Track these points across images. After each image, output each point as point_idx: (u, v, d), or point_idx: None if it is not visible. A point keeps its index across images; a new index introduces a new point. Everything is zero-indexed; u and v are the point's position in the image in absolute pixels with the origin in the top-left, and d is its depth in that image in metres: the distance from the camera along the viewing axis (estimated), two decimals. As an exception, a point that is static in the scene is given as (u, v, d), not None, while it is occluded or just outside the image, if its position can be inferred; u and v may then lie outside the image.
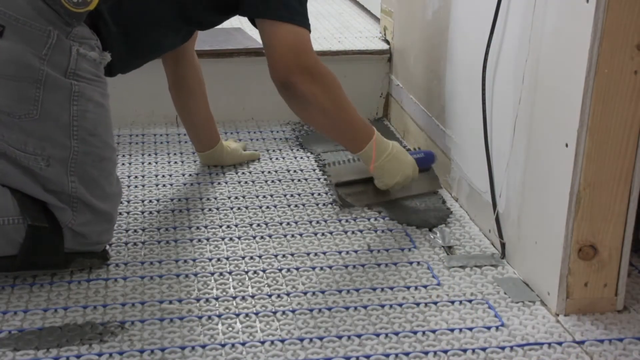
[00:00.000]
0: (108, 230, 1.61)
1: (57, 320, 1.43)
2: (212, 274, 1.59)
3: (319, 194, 1.98)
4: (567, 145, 1.38)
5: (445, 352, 1.35)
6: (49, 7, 1.48)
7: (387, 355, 1.34)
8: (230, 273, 1.59)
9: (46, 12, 1.48)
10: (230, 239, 1.74)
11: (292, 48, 1.70)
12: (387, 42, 2.55)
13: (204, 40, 2.48)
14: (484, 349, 1.36)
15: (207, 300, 1.50)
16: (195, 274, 1.59)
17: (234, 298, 1.50)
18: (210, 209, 1.88)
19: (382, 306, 1.48)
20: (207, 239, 1.73)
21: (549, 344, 1.37)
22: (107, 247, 1.65)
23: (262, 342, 1.37)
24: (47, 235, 1.52)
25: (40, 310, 1.45)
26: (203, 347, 1.35)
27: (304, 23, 1.72)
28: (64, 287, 1.53)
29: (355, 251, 1.69)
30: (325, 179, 2.06)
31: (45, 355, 1.33)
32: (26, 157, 1.50)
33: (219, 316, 1.44)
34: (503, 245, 1.65)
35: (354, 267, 1.63)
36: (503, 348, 1.36)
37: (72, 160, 1.53)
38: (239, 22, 2.83)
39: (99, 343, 1.36)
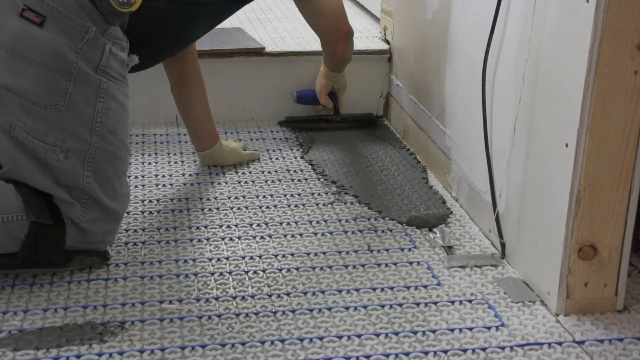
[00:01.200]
0: (113, 230, 1.62)
1: (57, 320, 1.43)
2: (212, 274, 1.59)
3: (319, 194, 1.98)
4: (567, 145, 1.38)
5: (445, 352, 1.35)
6: (92, 4, 1.53)
7: (387, 355, 1.34)
8: (230, 273, 1.59)
9: (88, 8, 1.52)
10: (230, 239, 1.74)
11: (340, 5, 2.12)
12: (387, 42, 2.55)
13: (204, 40, 2.48)
14: (484, 349, 1.36)
15: (207, 300, 1.50)
16: (195, 274, 1.59)
17: (234, 298, 1.50)
18: (210, 209, 1.88)
19: (382, 306, 1.48)
20: (207, 239, 1.74)
21: (549, 344, 1.37)
22: (108, 247, 1.65)
23: (262, 342, 1.37)
24: (49, 233, 1.52)
25: (40, 310, 1.46)
26: (203, 347, 1.36)
27: None
28: (64, 287, 1.53)
29: (355, 251, 1.69)
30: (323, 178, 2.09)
31: (45, 355, 1.33)
32: (45, 147, 1.51)
33: (219, 316, 1.45)
34: (503, 245, 1.65)
35: (354, 267, 1.63)
36: (503, 348, 1.36)
37: (90, 156, 1.55)
38: (238, 22, 2.84)
39: (99, 343, 1.36)
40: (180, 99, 2.09)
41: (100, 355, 1.33)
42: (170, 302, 1.49)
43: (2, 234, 1.49)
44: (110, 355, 1.33)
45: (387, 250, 1.70)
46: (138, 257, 1.66)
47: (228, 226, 1.80)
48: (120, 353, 1.34)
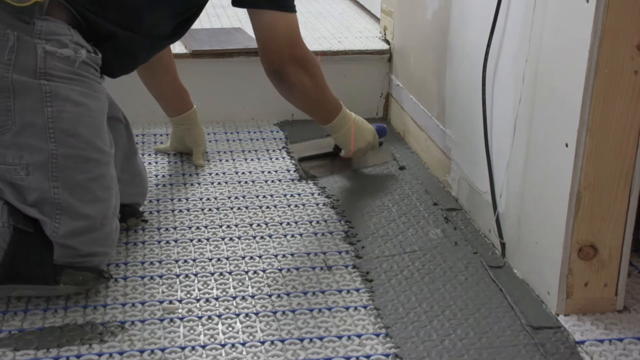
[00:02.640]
0: (99, 239, 1.51)
1: (57, 320, 1.43)
2: (212, 274, 1.59)
3: (319, 194, 1.98)
4: (567, 145, 1.38)
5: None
6: (2, 10, 1.42)
7: (387, 355, 1.34)
8: (230, 273, 1.60)
9: (2, 14, 1.43)
10: (230, 239, 1.74)
11: (287, 40, 1.78)
12: (387, 42, 2.55)
13: (204, 40, 2.48)
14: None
15: (207, 300, 1.50)
16: (195, 274, 1.59)
17: (234, 298, 1.51)
18: (210, 209, 1.89)
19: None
20: (207, 239, 1.74)
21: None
22: (105, 266, 1.57)
23: (262, 342, 1.37)
24: (34, 243, 1.45)
25: (40, 311, 1.46)
26: (203, 347, 1.36)
27: (294, 7, 1.79)
28: (64, 287, 1.53)
29: (355, 251, 1.70)
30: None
31: (45, 355, 1.33)
32: (7, 169, 1.44)
33: (219, 316, 1.45)
34: (503, 245, 1.66)
35: (354, 267, 1.63)
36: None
37: (53, 165, 1.45)
38: (238, 22, 2.84)
39: (99, 343, 1.36)
40: (145, 70, 2.00)
41: (100, 355, 1.33)
42: (171, 302, 1.49)
43: None
44: (111, 355, 1.34)
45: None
46: (138, 257, 1.66)
47: (228, 226, 1.80)
48: (121, 353, 1.34)
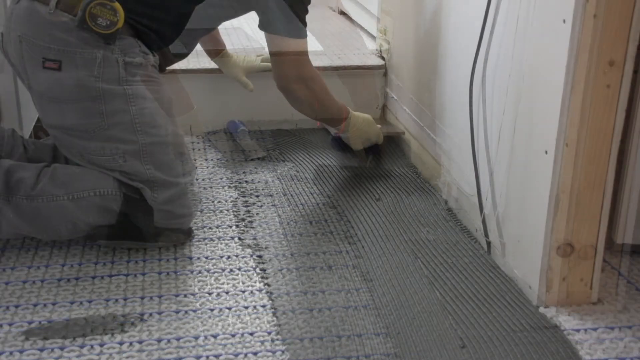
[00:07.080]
0: (187, 203, 1.75)
1: (82, 312, 1.49)
2: (223, 270, 1.64)
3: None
4: (546, 153, 1.44)
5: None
6: (90, 35, 1.65)
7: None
8: (239, 269, 1.63)
9: (88, 39, 1.66)
10: (240, 238, 1.77)
11: (294, 63, 1.99)
12: (383, 58, 2.58)
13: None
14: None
15: (218, 294, 1.54)
16: (208, 270, 1.64)
17: (243, 292, 1.55)
18: (221, 211, 1.90)
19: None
20: (219, 238, 1.77)
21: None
22: (191, 224, 1.76)
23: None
24: (139, 208, 1.69)
25: (67, 303, 1.52)
26: (215, 336, 1.41)
27: (304, 33, 1.97)
28: (89, 282, 1.59)
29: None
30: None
31: (72, 344, 1.39)
32: (107, 160, 1.69)
33: (229, 309, 1.49)
34: (489, 243, 1.70)
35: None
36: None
37: (143, 152, 1.70)
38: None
39: (120, 333, 1.42)
40: None
41: (121, 344, 1.39)
42: (185, 296, 1.54)
43: (100, 206, 1.67)
44: (131, 344, 1.39)
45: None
46: (155, 255, 1.70)
47: (228, 226, 1.82)
48: (140, 342, 1.39)
